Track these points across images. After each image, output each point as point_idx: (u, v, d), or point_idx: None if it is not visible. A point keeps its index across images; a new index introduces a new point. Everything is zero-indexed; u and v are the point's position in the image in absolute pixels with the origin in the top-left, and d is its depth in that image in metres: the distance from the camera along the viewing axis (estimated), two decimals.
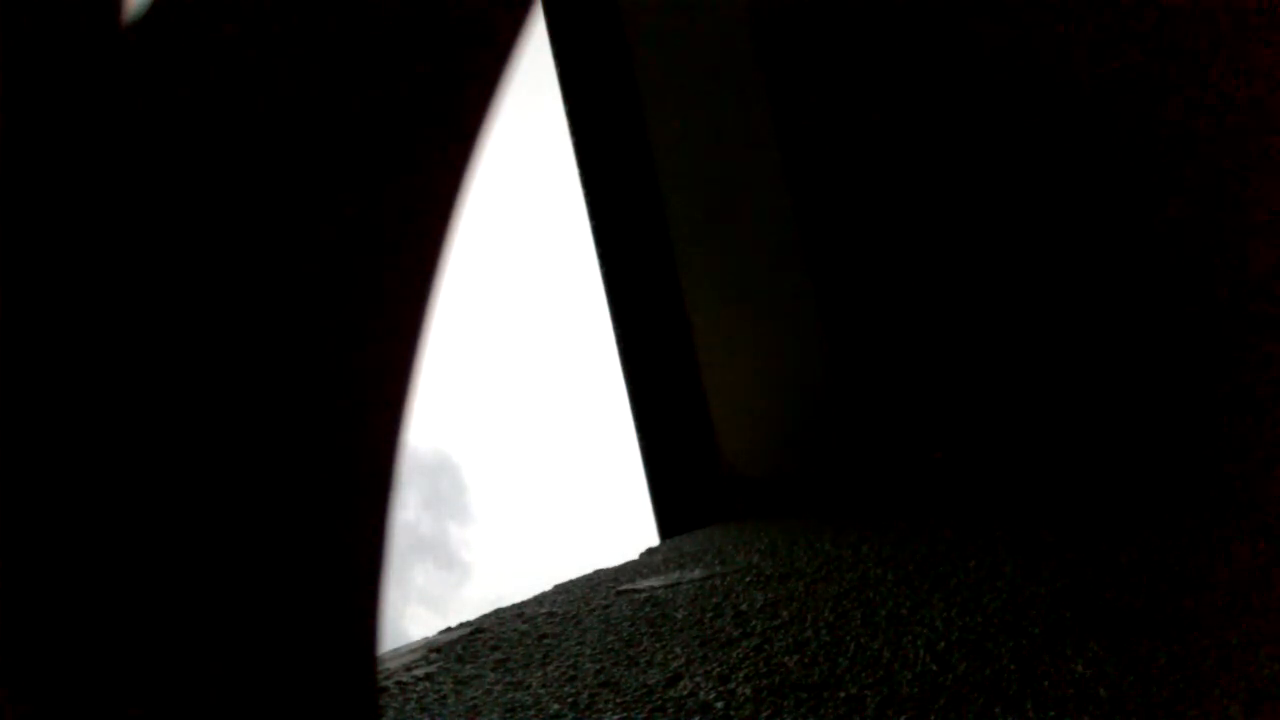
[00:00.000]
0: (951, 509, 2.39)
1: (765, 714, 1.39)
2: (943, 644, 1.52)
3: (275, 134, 0.61)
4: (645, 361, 3.12)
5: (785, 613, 1.83)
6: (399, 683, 1.78)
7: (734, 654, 1.66)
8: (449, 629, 2.15)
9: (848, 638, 1.63)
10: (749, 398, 3.04)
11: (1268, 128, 2.38)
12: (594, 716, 1.49)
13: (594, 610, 2.10)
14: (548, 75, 3.12)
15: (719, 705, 1.44)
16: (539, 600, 2.29)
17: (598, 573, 2.49)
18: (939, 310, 2.81)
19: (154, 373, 0.59)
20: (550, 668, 1.76)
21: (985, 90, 2.71)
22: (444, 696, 1.68)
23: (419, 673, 1.82)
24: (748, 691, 1.48)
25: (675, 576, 2.28)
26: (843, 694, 1.40)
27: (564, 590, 2.35)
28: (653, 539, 3.01)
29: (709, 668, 1.61)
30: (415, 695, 1.70)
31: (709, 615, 1.92)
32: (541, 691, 1.63)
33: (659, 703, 1.49)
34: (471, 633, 2.06)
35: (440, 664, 1.87)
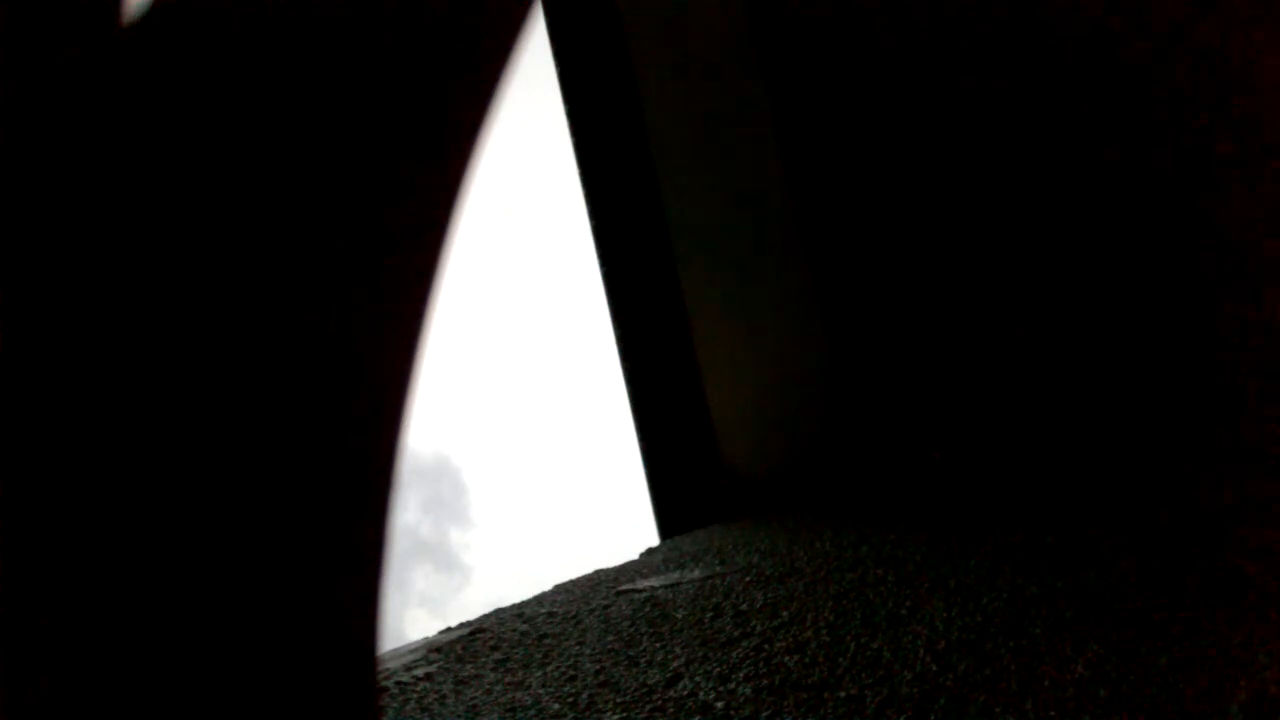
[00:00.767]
0: (951, 509, 2.39)
1: (765, 714, 1.39)
2: (943, 644, 1.52)
3: (275, 133, 0.61)
4: (645, 362, 3.12)
5: (785, 613, 1.83)
6: (399, 683, 1.78)
7: (734, 654, 1.66)
8: (449, 629, 2.15)
9: (848, 638, 1.63)
10: (749, 398, 3.04)
11: (1267, 127, 2.38)
12: (594, 716, 1.49)
13: (594, 610, 2.11)
14: (548, 75, 3.12)
15: (719, 705, 1.44)
16: (539, 600, 2.29)
17: (598, 573, 2.49)
18: (938, 310, 2.81)
19: (153, 374, 0.59)
20: (550, 668, 1.76)
21: (985, 90, 2.71)
22: (444, 696, 1.68)
23: (419, 673, 1.82)
24: (748, 691, 1.48)
25: (675, 576, 2.28)
26: (843, 694, 1.40)
27: (564, 590, 2.35)
28: (653, 539, 3.01)
29: (709, 668, 1.61)
30: (415, 695, 1.70)
31: (709, 615, 1.91)
32: (541, 691, 1.63)
33: (659, 703, 1.50)
34: (471, 633, 2.06)
35: (440, 664, 1.87)
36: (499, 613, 2.22)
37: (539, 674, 1.73)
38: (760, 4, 2.91)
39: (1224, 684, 1.21)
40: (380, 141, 0.64)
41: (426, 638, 2.10)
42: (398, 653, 2.01)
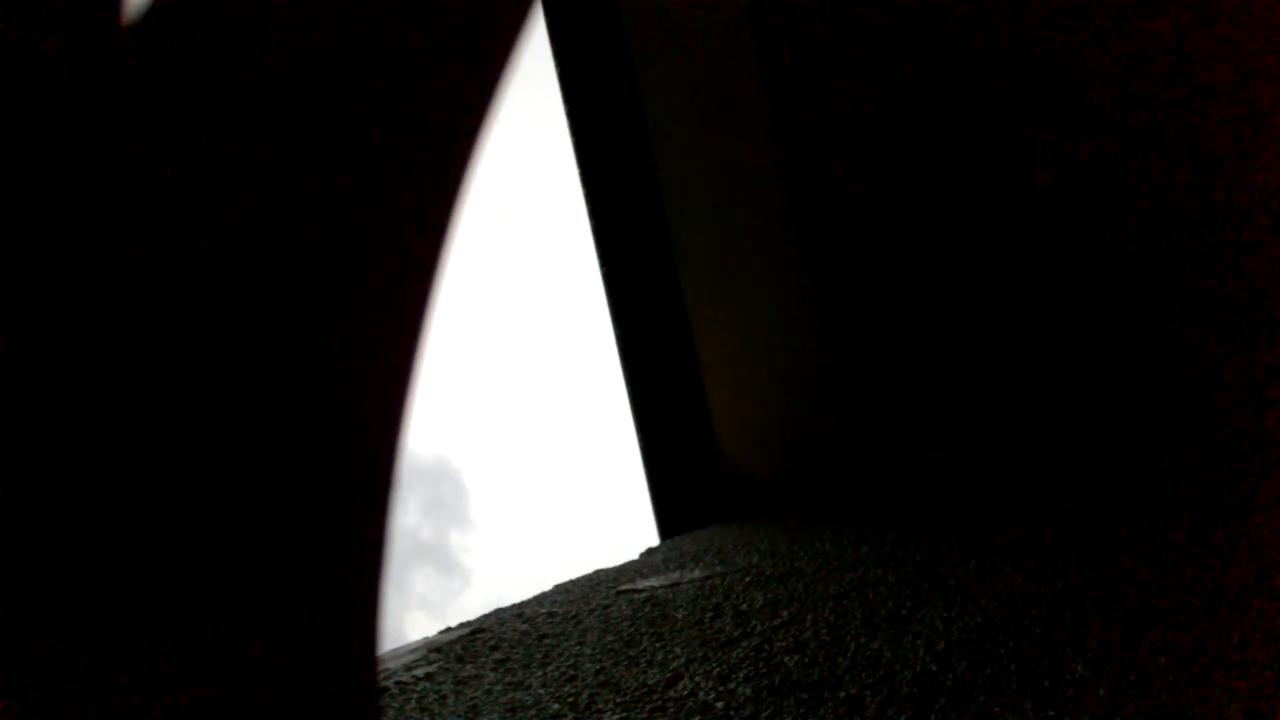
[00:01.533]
0: (951, 509, 2.39)
1: (765, 714, 1.39)
2: (943, 644, 1.52)
3: (275, 133, 0.61)
4: (645, 361, 3.12)
5: (785, 613, 1.83)
6: (399, 683, 1.78)
7: (734, 654, 1.66)
8: (449, 629, 2.15)
9: (848, 638, 1.63)
10: (749, 397, 3.04)
11: (1267, 125, 2.38)
12: (594, 716, 1.49)
13: (594, 610, 2.11)
14: (548, 75, 3.12)
15: (719, 705, 1.44)
16: (539, 600, 2.29)
17: (598, 573, 2.49)
18: (938, 310, 2.81)
19: (152, 375, 0.59)
20: (550, 668, 1.76)
21: (986, 89, 2.71)
22: (444, 696, 1.68)
23: (419, 673, 1.82)
24: (748, 691, 1.48)
25: (675, 576, 2.28)
26: (843, 694, 1.40)
27: (564, 590, 2.36)
28: (653, 539, 3.01)
29: (709, 668, 1.61)
30: (415, 695, 1.70)
31: (709, 615, 1.92)
32: (541, 691, 1.63)
33: (659, 703, 1.50)
34: (471, 633, 2.06)
35: (440, 664, 1.87)
36: (499, 613, 2.22)
37: (539, 674, 1.73)
38: (761, 3, 2.91)
39: (1224, 684, 1.21)
40: (380, 142, 0.64)
41: (426, 638, 2.10)
42: (398, 653, 2.01)
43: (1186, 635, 1.37)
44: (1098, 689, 1.26)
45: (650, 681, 1.59)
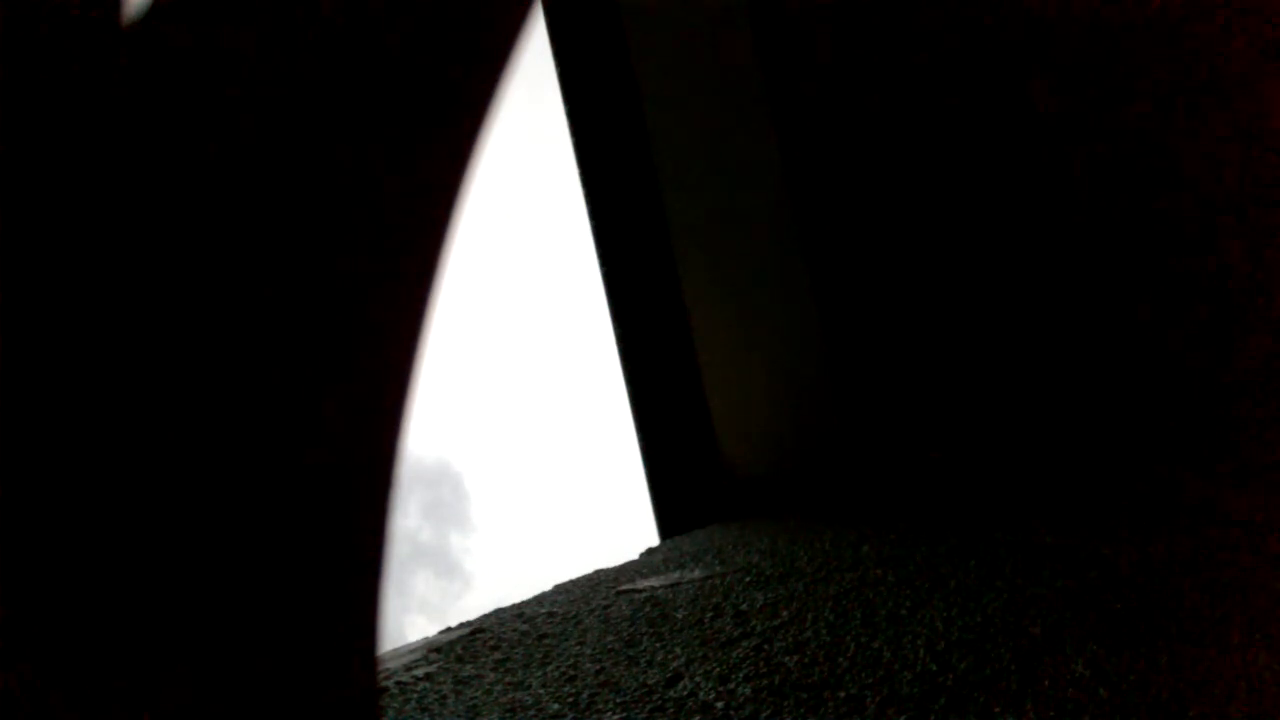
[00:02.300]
0: (951, 509, 2.39)
1: (765, 714, 1.39)
2: (943, 644, 1.52)
3: (275, 133, 0.61)
4: (645, 361, 3.12)
5: (785, 613, 1.83)
6: (399, 683, 1.78)
7: (734, 654, 1.66)
8: (449, 629, 2.15)
9: (848, 638, 1.63)
10: (749, 398, 3.04)
11: (1268, 126, 2.38)
12: (594, 716, 1.49)
13: (594, 610, 2.11)
14: (548, 75, 3.12)
15: (719, 705, 1.45)
16: (539, 600, 2.29)
17: (598, 573, 2.49)
18: (938, 310, 2.81)
19: (152, 376, 0.59)
20: (550, 668, 1.76)
21: (986, 89, 2.71)
22: (444, 696, 1.68)
23: (419, 673, 1.82)
24: (748, 691, 1.48)
25: (675, 576, 2.28)
26: (843, 694, 1.40)
27: (564, 590, 2.35)
28: (653, 539, 3.01)
29: (709, 668, 1.61)
30: (415, 695, 1.70)
31: (709, 615, 1.91)
32: (541, 691, 1.63)
33: (659, 703, 1.50)
34: (471, 633, 2.06)
35: (440, 664, 1.87)
36: (499, 613, 2.22)
37: (539, 674, 1.73)
38: (761, 3, 2.91)
39: (1224, 684, 1.21)
40: (380, 142, 0.64)
41: (426, 638, 2.10)
42: (398, 653, 2.01)
43: (1187, 635, 1.37)
44: (1098, 689, 1.26)
45: (650, 681, 1.59)
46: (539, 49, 3.11)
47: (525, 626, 2.06)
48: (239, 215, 0.60)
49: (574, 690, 1.61)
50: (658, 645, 1.78)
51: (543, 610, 2.17)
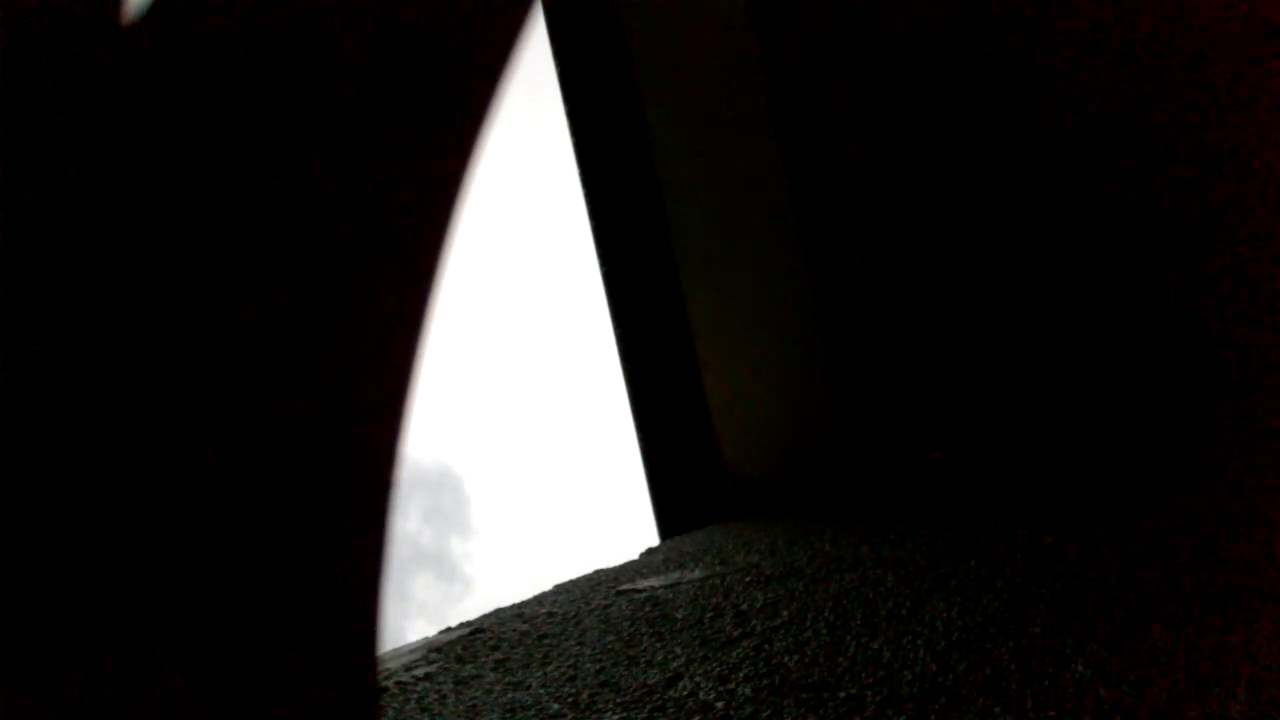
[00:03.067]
0: (951, 509, 2.39)
1: (765, 714, 1.39)
2: (943, 644, 1.52)
3: (275, 134, 0.61)
4: (645, 362, 3.12)
5: (785, 613, 1.83)
6: (399, 683, 1.78)
7: (734, 654, 1.66)
8: (449, 629, 2.15)
9: (848, 638, 1.63)
10: (749, 398, 3.04)
11: (1270, 125, 2.38)
12: (594, 716, 1.49)
13: (594, 610, 2.11)
14: (548, 75, 3.12)
15: (719, 705, 1.45)
16: (539, 600, 2.29)
17: (598, 573, 2.49)
18: (938, 310, 2.81)
19: (152, 377, 0.59)
20: (550, 668, 1.76)
21: (985, 89, 2.71)
22: (444, 696, 1.68)
23: (419, 673, 1.82)
24: (748, 691, 1.48)
25: (675, 576, 2.28)
26: (843, 694, 1.40)
27: (564, 590, 2.35)
28: (653, 539, 3.01)
29: (709, 668, 1.61)
30: (415, 695, 1.70)
31: (709, 615, 1.92)
32: (541, 691, 1.63)
33: (659, 703, 1.50)
34: (471, 633, 2.06)
35: (440, 664, 1.87)
36: (499, 613, 2.22)
37: (539, 674, 1.73)
38: (761, 3, 2.90)
39: (1224, 684, 1.21)
40: (379, 142, 0.64)
41: (426, 638, 2.10)
42: (398, 653, 2.01)
43: (1187, 635, 1.37)
44: (1098, 689, 1.26)
45: (650, 681, 1.59)
46: (539, 49, 3.11)
47: (525, 626, 2.06)
48: (237, 216, 0.60)
49: (574, 690, 1.61)
50: (658, 645, 1.78)
51: (543, 610, 2.17)
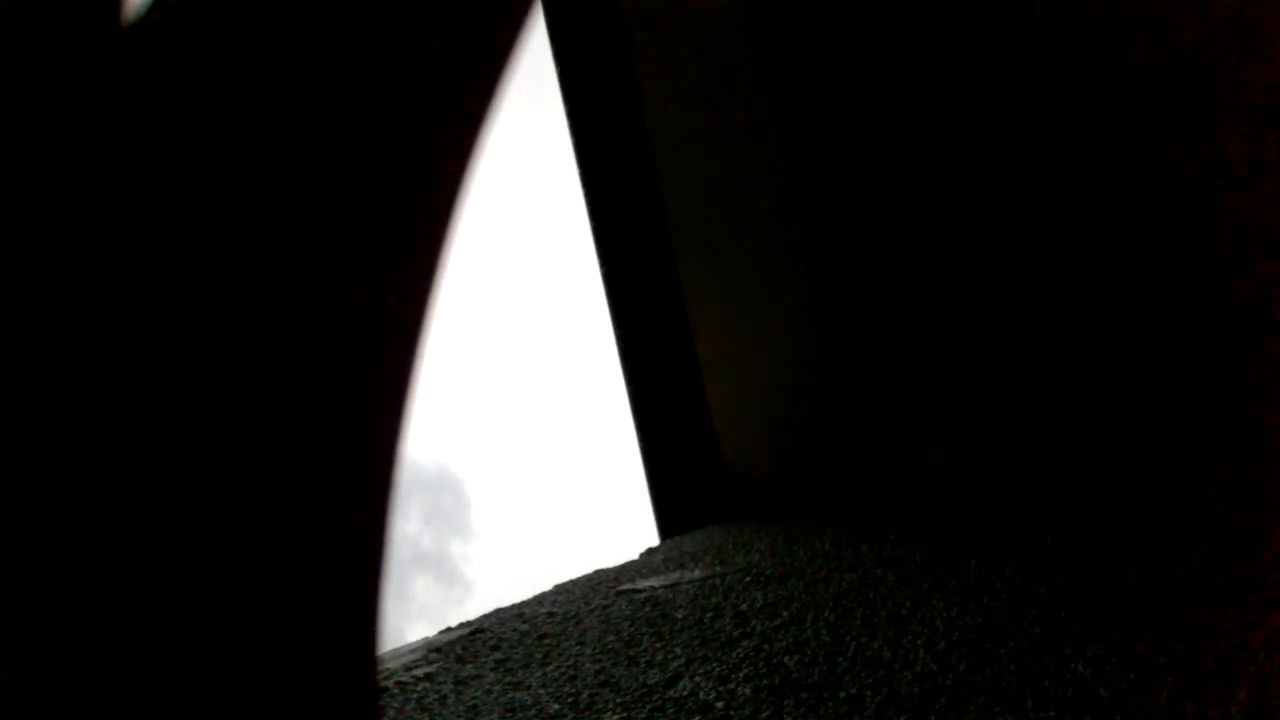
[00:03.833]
0: (951, 509, 2.39)
1: (765, 714, 1.39)
2: (943, 644, 1.52)
3: (274, 134, 0.61)
4: (645, 362, 3.12)
5: (785, 613, 1.83)
6: (399, 683, 1.78)
7: (734, 654, 1.66)
8: (449, 629, 2.15)
9: (848, 638, 1.63)
10: (749, 398, 3.04)
11: (1272, 126, 2.38)
12: (594, 716, 1.49)
13: (594, 610, 2.11)
14: (548, 75, 3.12)
15: (719, 705, 1.45)
16: (539, 600, 2.29)
17: (598, 573, 2.49)
18: (938, 310, 2.81)
19: (152, 378, 0.59)
20: (550, 668, 1.76)
21: (985, 89, 2.71)
22: (444, 696, 1.68)
23: (419, 673, 1.82)
24: (748, 691, 1.48)
25: (675, 576, 2.28)
26: (843, 694, 1.40)
27: (564, 590, 2.35)
28: (653, 539, 3.01)
29: (709, 668, 1.61)
30: (415, 695, 1.70)
31: (709, 615, 1.92)
32: (541, 691, 1.63)
33: (659, 703, 1.50)
34: (471, 633, 2.06)
35: (440, 664, 1.87)
36: (499, 613, 2.22)
37: (539, 674, 1.73)
38: (761, 3, 2.91)
39: (1224, 684, 1.21)
40: (378, 142, 0.64)
41: (426, 638, 2.10)
42: (398, 653, 2.01)
43: (1187, 636, 1.37)
44: (1098, 689, 1.26)
45: (650, 681, 1.59)
46: (539, 49, 3.11)
47: (525, 626, 2.06)
48: (237, 216, 0.60)
49: (574, 690, 1.61)
50: (658, 645, 1.78)
51: (543, 610, 2.17)
